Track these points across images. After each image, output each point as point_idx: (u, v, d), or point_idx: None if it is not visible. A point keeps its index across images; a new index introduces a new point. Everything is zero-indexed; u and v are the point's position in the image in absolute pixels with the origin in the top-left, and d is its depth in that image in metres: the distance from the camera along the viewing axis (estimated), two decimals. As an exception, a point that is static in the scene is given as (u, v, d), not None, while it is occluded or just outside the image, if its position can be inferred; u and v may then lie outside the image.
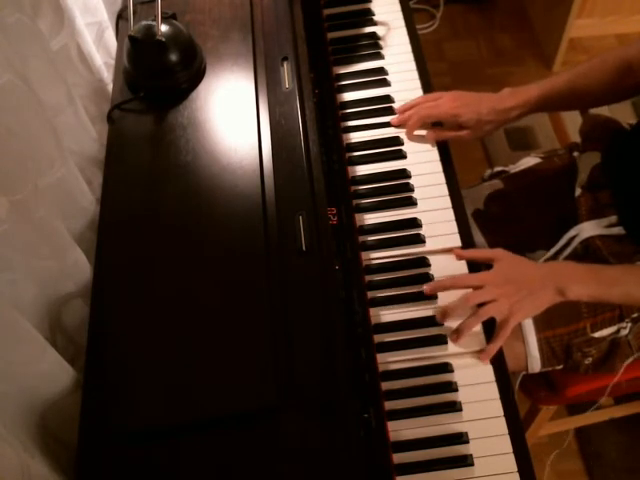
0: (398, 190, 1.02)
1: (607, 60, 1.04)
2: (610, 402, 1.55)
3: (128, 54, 0.96)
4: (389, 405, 0.84)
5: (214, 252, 0.82)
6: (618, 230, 1.06)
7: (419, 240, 0.97)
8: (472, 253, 0.96)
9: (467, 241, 0.97)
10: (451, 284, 0.91)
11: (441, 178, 1.02)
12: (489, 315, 0.88)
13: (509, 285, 0.89)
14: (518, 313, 0.88)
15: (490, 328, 0.89)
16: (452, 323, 0.90)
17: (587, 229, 1.08)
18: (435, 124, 1.08)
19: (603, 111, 2.04)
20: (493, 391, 0.85)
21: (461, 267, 0.95)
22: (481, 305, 0.88)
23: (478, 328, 0.89)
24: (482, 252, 0.98)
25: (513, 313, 0.87)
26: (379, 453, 0.80)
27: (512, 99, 1.05)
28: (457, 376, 0.86)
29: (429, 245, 0.97)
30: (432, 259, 0.95)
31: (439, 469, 0.80)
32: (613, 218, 1.07)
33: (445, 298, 0.92)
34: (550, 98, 1.04)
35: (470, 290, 0.91)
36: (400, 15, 1.22)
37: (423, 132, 1.07)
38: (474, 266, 0.95)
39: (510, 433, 0.82)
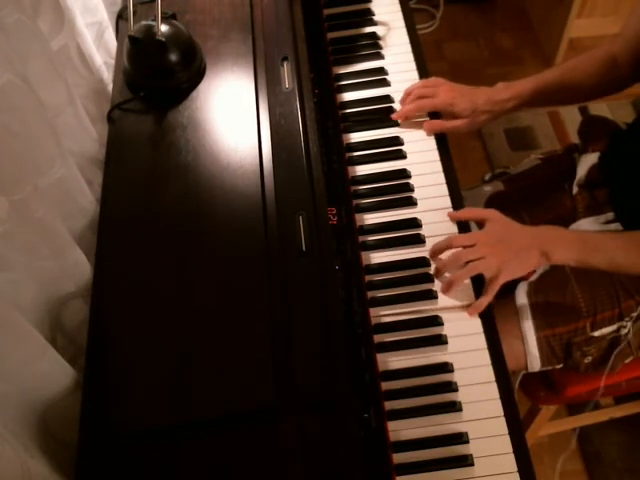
0: (398, 190, 1.02)
1: (594, 54, 1.08)
2: (610, 402, 1.55)
3: (128, 54, 0.96)
4: (389, 405, 0.84)
5: (214, 252, 0.82)
6: (615, 227, 1.07)
7: (419, 240, 0.97)
8: (465, 213, 0.98)
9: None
10: (446, 244, 0.94)
11: (441, 178, 1.02)
12: (478, 271, 0.91)
13: (499, 245, 0.92)
14: (506, 271, 0.90)
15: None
16: (454, 321, 0.90)
17: (585, 226, 1.09)
18: (432, 116, 1.09)
19: (603, 112, 2.05)
20: (493, 391, 0.85)
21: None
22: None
23: (477, 328, 0.90)
24: (476, 211, 1.00)
25: (501, 271, 0.90)
26: (379, 453, 0.80)
27: (507, 91, 1.08)
28: (457, 376, 0.86)
29: (429, 245, 0.96)
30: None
31: (439, 469, 0.80)
32: (610, 215, 1.08)
33: (446, 299, 0.92)
34: (542, 91, 1.07)
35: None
36: (400, 15, 1.22)
37: (418, 120, 1.08)
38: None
39: (510, 433, 0.82)
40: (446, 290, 0.91)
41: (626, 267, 0.94)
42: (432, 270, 0.94)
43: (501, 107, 1.08)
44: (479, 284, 0.93)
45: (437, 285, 0.93)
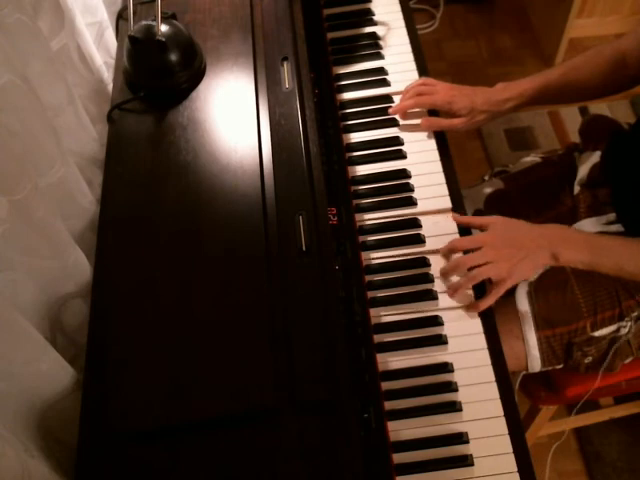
0: (398, 190, 1.02)
1: (601, 53, 1.06)
2: (610, 402, 1.55)
3: (128, 54, 0.96)
4: (389, 405, 0.84)
5: (214, 252, 0.82)
6: (617, 227, 1.06)
7: (419, 240, 0.97)
8: (469, 219, 0.99)
9: (467, 241, 0.97)
10: (450, 248, 0.93)
11: (441, 178, 1.02)
12: (487, 276, 0.90)
13: (506, 248, 0.91)
14: (515, 275, 0.90)
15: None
16: (454, 321, 0.90)
17: (586, 226, 1.08)
18: (431, 114, 1.09)
19: (603, 111, 2.05)
20: (493, 391, 0.85)
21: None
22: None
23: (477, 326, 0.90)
24: (478, 219, 0.99)
25: (511, 275, 0.90)
26: (379, 453, 0.80)
27: (506, 91, 1.07)
28: (457, 376, 0.86)
29: (429, 245, 0.97)
30: (432, 259, 0.95)
31: (439, 469, 0.80)
32: (612, 215, 1.08)
33: (446, 299, 0.92)
34: (544, 91, 1.06)
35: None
36: (400, 15, 1.22)
37: (417, 121, 1.08)
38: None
39: (510, 433, 0.82)
40: (452, 295, 0.91)
41: (633, 274, 0.93)
42: (432, 270, 0.94)
43: (499, 107, 1.07)
44: (479, 284, 0.93)
45: (437, 285, 0.93)
